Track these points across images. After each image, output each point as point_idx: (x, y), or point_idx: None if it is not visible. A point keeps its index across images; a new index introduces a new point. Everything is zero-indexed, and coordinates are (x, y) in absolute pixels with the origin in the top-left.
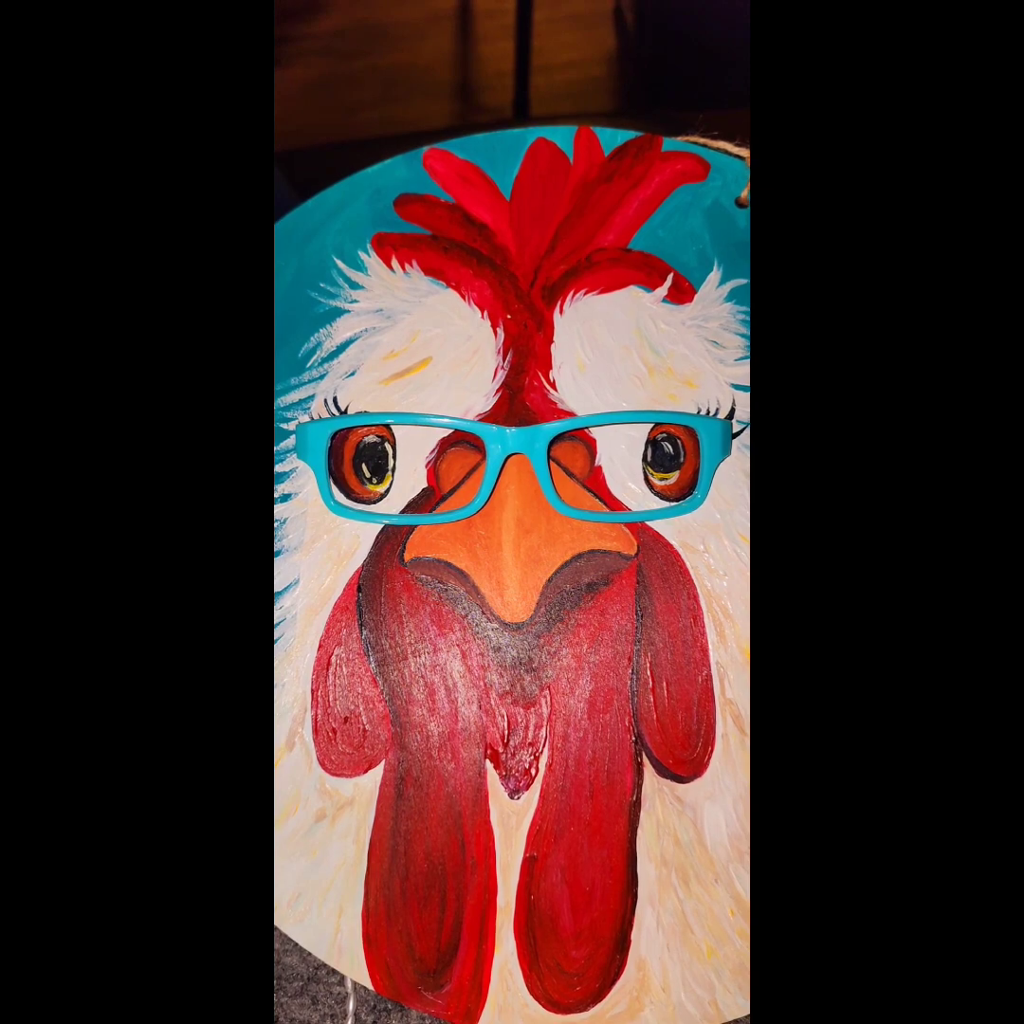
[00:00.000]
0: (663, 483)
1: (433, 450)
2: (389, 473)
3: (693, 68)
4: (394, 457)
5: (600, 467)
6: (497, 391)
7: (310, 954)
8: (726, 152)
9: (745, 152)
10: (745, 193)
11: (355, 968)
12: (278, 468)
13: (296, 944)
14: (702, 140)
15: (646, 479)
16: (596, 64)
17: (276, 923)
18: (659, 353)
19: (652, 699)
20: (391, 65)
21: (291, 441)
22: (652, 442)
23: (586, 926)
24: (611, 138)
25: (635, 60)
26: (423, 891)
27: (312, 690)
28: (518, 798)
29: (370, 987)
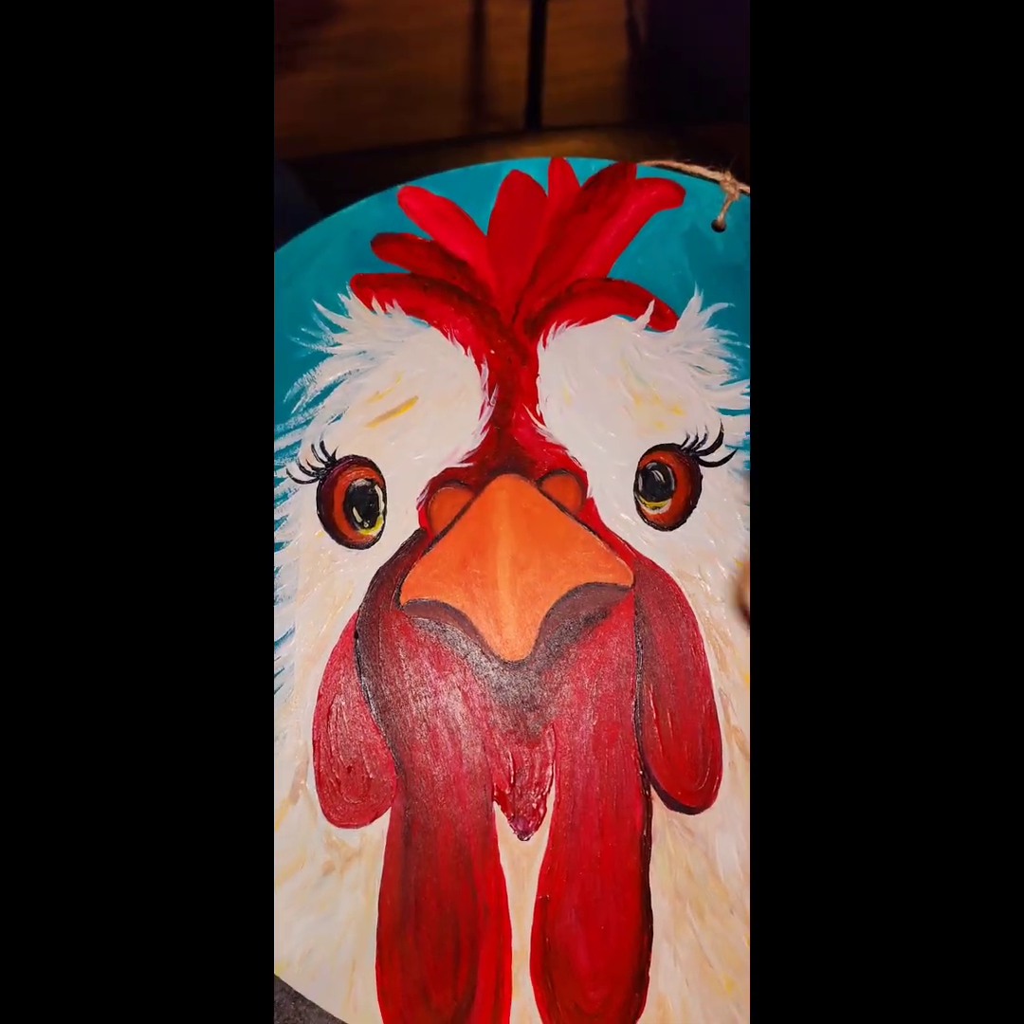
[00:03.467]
0: (655, 512)
1: (423, 491)
2: (380, 516)
3: (706, 79)
4: (384, 500)
5: (592, 499)
6: (485, 428)
7: (326, 1012)
8: (700, 177)
9: (718, 176)
10: (722, 216)
11: None
12: None
13: (311, 1003)
14: (675, 165)
15: (638, 508)
16: (609, 74)
17: (288, 981)
18: (645, 381)
19: (657, 731)
20: (403, 73)
21: (280, 489)
22: (642, 471)
23: (603, 966)
24: (584, 168)
25: (647, 70)
26: (436, 940)
27: (314, 741)
28: (528, 839)
29: None
